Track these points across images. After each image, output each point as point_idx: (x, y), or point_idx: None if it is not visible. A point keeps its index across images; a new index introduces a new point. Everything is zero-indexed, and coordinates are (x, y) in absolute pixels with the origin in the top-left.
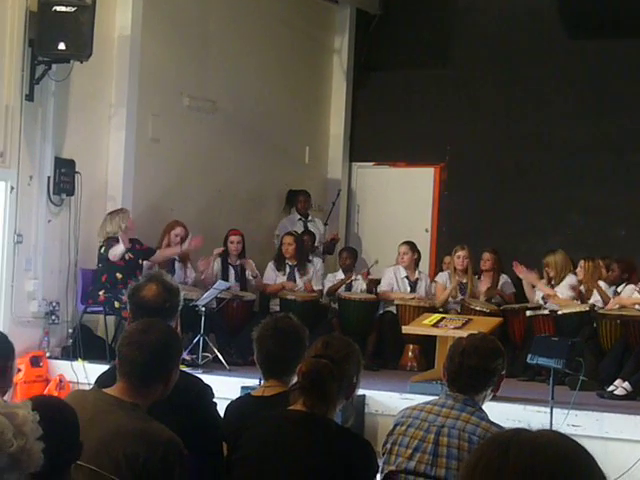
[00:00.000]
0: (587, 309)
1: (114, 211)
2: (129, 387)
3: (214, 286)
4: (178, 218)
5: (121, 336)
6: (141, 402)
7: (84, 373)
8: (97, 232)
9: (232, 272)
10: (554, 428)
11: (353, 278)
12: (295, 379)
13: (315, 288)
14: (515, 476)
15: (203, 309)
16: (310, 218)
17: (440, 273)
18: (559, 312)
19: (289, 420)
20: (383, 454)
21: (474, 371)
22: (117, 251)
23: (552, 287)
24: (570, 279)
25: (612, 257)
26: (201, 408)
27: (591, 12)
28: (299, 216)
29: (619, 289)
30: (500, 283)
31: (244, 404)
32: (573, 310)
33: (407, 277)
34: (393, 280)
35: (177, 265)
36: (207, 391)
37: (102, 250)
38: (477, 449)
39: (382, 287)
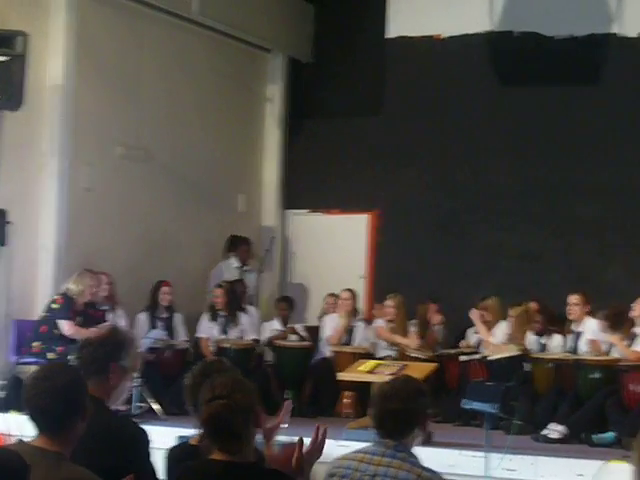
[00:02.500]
0: (519, 353)
1: (86, 272)
2: (49, 436)
3: (147, 335)
4: (111, 267)
5: (24, 388)
6: (65, 447)
7: (17, 426)
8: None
9: (160, 324)
10: (489, 473)
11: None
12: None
13: (249, 337)
14: None
15: None
16: (247, 268)
17: (377, 319)
18: (491, 357)
19: (206, 470)
20: None
21: (397, 413)
22: (64, 330)
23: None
24: (503, 325)
25: (543, 300)
26: (136, 451)
27: (521, 60)
28: (237, 263)
29: (542, 340)
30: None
31: (183, 452)
32: (505, 355)
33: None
34: (334, 325)
35: (109, 316)
36: (140, 434)
37: (53, 305)
38: None
39: (327, 333)
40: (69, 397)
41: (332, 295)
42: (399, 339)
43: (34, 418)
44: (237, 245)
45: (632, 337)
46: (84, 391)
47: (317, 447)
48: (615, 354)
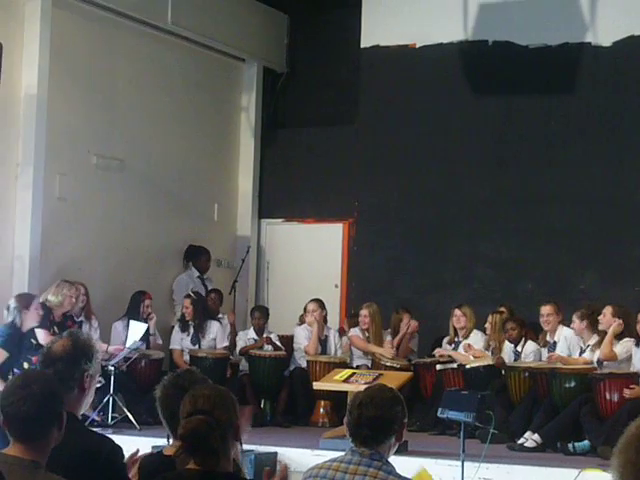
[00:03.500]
0: (495, 363)
1: (64, 282)
2: (25, 444)
3: (127, 345)
4: (86, 277)
5: (2, 395)
6: (40, 455)
7: None
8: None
9: None
10: None
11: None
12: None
13: (221, 345)
14: None
15: (112, 369)
16: (206, 276)
17: (352, 329)
18: (467, 366)
19: None
20: None
21: (373, 422)
22: (40, 339)
23: (456, 341)
24: (477, 334)
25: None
26: (112, 469)
27: (495, 69)
28: (198, 273)
29: (518, 348)
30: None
31: (157, 463)
32: (481, 364)
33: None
34: (307, 336)
35: (84, 326)
36: (117, 451)
37: None
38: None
39: (302, 343)
40: (47, 405)
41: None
42: (374, 348)
43: (11, 426)
44: (196, 255)
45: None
46: (60, 400)
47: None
48: (586, 356)
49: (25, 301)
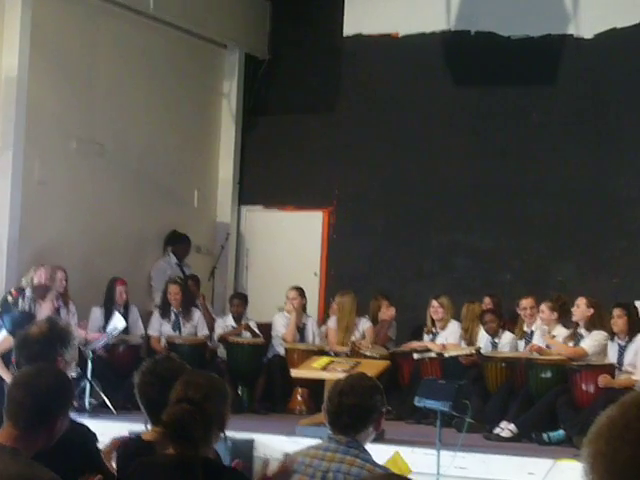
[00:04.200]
0: (472, 352)
1: (43, 266)
2: (14, 431)
3: (107, 330)
4: (65, 261)
5: (12, 378)
6: (23, 448)
7: None
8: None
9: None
10: (441, 470)
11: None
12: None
13: (201, 333)
14: None
15: (90, 354)
16: (185, 263)
17: (331, 318)
18: (445, 355)
19: (161, 465)
20: None
21: (353, 410)
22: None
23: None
24: (454, 324)
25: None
26: (86, 454)
27: (477, 60)
28: (176, 260)
29: (496, 339)
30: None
31: (134, 448)
32: (459, 353)
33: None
34: (286, 323)
35: (62, 311)
36: (91, 437)
37: (9, 297)
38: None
39: (280, 331)
40: (48, 399)
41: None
42: (337, 348)
43: (9, 409)
44: (177, 241)
45: (578, 337)
46: (63, 404)
47: (283, 473)
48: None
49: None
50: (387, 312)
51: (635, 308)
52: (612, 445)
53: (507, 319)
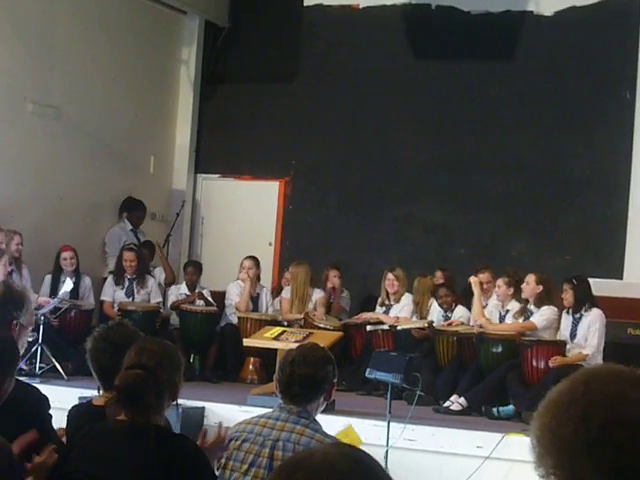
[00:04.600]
0: (425, 325)
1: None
2: None
3: (58, 296)
4: (18, 226)
5: None
6: None
7: None
8: None
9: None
10: (390, 442)
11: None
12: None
13: (154, 300)
14: None
15: (42, 318)
16: (139, 230)
17: (285, 288)
18: (398, 328)
19: (112, 431)
20: (217, 469)
21: (304, 380)
22: None
23: (387, 304)
24: (408, 297)
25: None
26: (37, 419)
27: (437, 34)
28: (131, 226)
29: (448, 313)
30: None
31: (85, 413)
32: (411, 326)
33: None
34: (239, 292)
35: (15, 275)
36: (43, 401)
37: None
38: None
39: (233, 300)
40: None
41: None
42: (289, 316)
43: None
44: (132, 208)
45: (528, 314)
46: (9, 365)
47: (219, 444)
48: (508, 321)
49: None
50: (332, 281)
51: (586, 281)
52: (557, 420)
53: (460, 294)
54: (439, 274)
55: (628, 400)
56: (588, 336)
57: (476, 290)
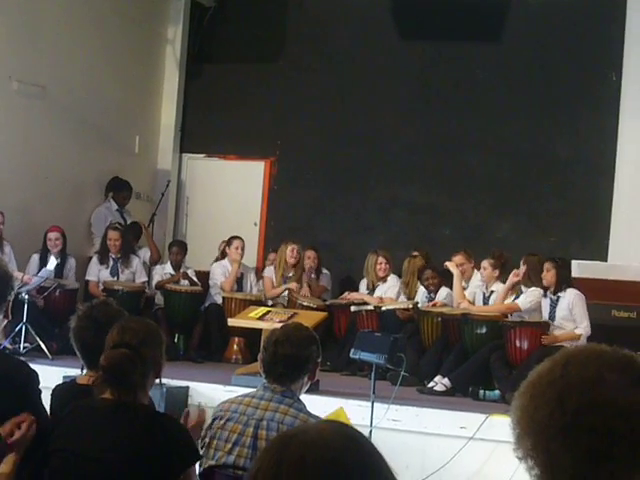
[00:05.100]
0: (409, 306)
1: None
2: None
3: (39, 274)
4: (2, 205)
5: None
6: None
7: None
8: None
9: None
10: (374, 422)
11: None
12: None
13: (139, 280)
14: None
15: (26, 297)
16: (125, 209)
17: (267, 268)
18: (383, 308)
19: (97, 409)
20: (202, 448)
21: (288, 359)
22: None
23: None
24: (393, 278)
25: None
26: (27, 393)
27: (423, 14)
28: (117, 206)
29: (432, 294)
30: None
31: (69, 392)
32: (396, 307)
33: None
34: (224, 272)
35: None
36: (33, 376)
37: None
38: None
39: (218, 279)
40: None
41: (225, 242)
42: (274, 291)
43: None
44: (118, 188)
45: (519, 293)
46: None
47: (200, 424)
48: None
49: None
50: (306, 262)
51: (567, 262)
52: (535, 402)
53: (444, 276)
54: (415, 254)
55: (604, 382)
56: (575, 316)
57: (455, 271)
